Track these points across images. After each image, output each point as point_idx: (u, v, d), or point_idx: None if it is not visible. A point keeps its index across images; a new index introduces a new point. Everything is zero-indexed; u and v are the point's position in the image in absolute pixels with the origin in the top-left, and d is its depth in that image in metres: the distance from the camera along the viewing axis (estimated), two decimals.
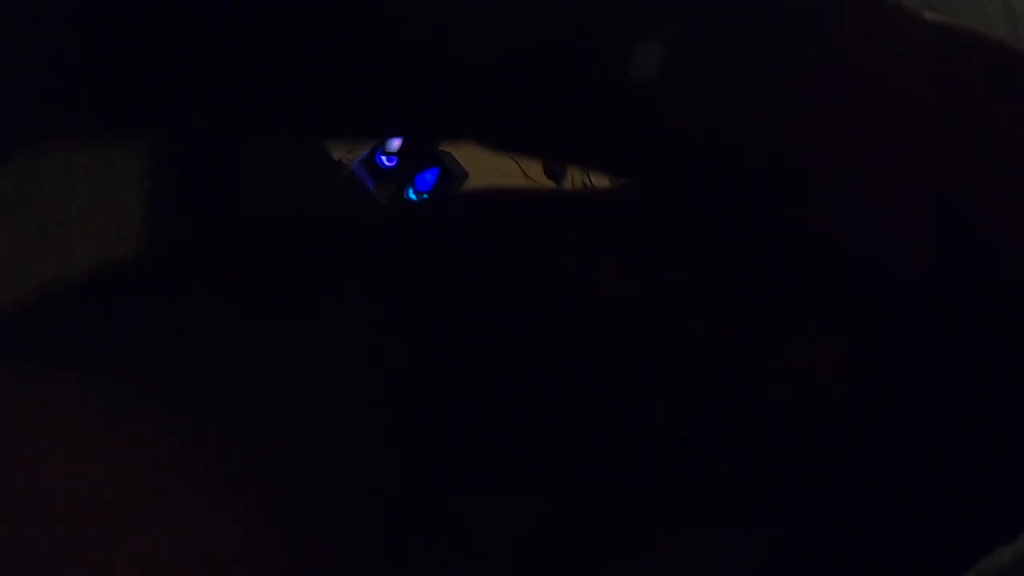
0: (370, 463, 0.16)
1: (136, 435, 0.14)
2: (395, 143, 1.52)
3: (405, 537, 0.17)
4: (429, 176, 1.60)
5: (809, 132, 0.16)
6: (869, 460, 0.21)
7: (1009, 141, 0.17)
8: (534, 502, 0.18)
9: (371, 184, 1.45)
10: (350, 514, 0.16)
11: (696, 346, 0.18)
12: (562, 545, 0.18)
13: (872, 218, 0.17)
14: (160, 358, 0.14)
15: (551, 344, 0.16)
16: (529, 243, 0.15)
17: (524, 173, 1.29)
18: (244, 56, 0.12)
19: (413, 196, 1.48)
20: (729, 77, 0.15)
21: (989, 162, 0.17)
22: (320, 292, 0.14)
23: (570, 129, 0.15)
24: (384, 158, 1.53)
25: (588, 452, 0.18)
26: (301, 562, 0.15)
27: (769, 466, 0.19)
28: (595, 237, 0.15)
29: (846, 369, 0.19)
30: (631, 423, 0.18)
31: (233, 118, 0.13)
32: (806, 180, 0.16)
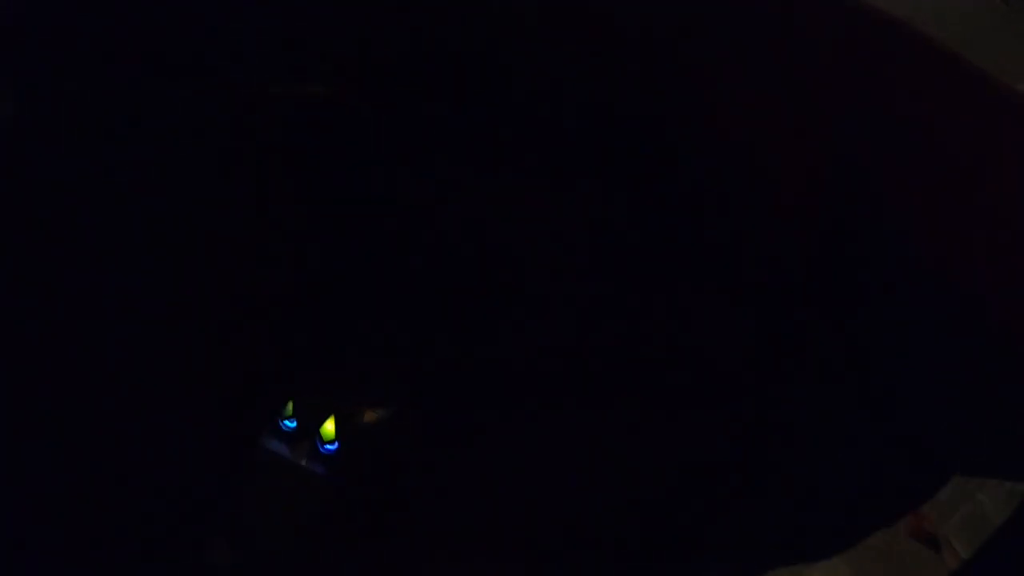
0: None
1: None
2: (288, 407, 1.53)
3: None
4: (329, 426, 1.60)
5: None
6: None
7: None
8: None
9: (286, 451, 1.44)
10: None
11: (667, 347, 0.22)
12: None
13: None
14: None
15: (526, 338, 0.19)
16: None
17: None
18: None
19: (329, 448, 1.48)
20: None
21: None
22: None
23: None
24: (285, 423, 1.53)
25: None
26: None
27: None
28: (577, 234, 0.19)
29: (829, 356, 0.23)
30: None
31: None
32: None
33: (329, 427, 1.62)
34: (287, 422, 1.62)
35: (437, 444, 0.36)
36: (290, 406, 1.64)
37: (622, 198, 0.28)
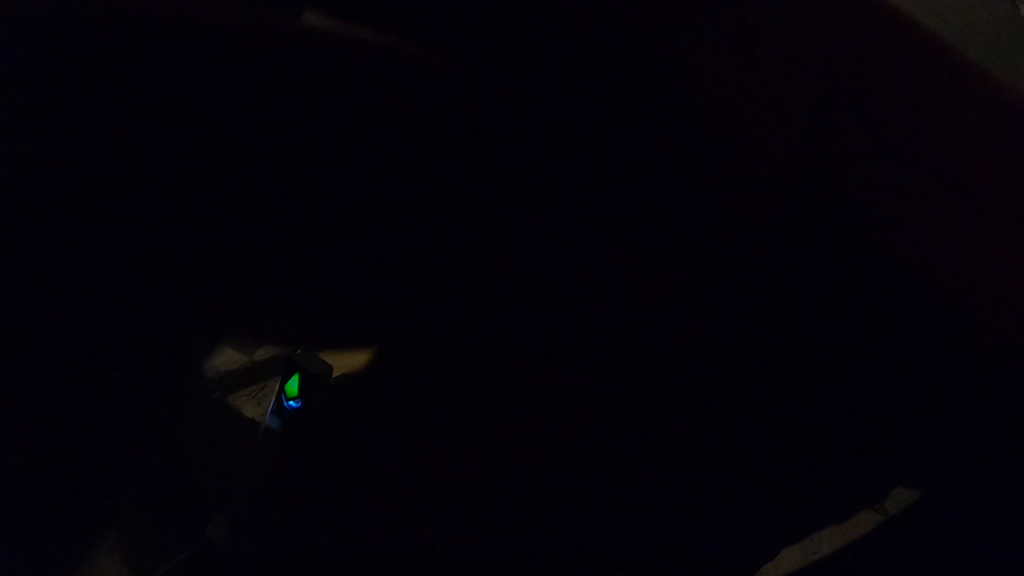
0: None
1: None
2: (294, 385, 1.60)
3: None
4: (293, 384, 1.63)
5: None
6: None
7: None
8: None
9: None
10: None
11: None
12: None
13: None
14: None
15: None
16: None
17: None
18: None
19: (292, 404, 1.56)
20: None
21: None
22: None
23: None
24: (290, 402, 1.61)
25: None
26: None
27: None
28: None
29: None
30: None
31: None
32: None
33: (293, 384, 1.63)
34: (292, 402, 1.69)
35: (404, 408, 0.31)
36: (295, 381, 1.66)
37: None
